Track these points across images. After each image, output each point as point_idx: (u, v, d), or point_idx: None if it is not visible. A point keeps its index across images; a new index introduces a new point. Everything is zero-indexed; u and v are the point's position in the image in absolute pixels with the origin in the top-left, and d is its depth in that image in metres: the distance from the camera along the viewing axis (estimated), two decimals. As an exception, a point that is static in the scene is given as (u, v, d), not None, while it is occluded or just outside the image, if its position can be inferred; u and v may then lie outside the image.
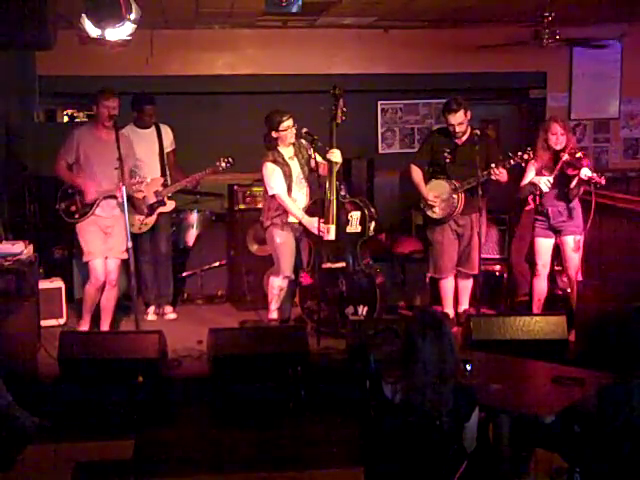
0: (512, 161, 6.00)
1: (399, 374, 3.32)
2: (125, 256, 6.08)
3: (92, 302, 6.24)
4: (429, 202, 6.32)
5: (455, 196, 6.22)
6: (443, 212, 6.30)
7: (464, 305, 6.58)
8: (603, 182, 5.83)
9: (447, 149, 6.26)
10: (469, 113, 6.20)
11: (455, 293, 6.60)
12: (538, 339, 5.33)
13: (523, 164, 6.05)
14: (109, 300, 6.29)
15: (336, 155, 6.06)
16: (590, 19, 7.93)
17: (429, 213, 6.39)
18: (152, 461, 4.49)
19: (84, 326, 6.28)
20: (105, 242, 6.14)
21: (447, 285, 6.53)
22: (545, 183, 6.00)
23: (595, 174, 5.81)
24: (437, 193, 6.31)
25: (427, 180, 6.40)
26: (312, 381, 5.09)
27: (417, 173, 6.42)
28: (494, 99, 9.38)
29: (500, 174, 6.01)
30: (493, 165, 5.99)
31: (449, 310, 6.52)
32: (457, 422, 3.28)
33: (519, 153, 5.99)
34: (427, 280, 6.88)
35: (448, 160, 6.25)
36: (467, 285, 6.54)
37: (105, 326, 6.32)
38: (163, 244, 6.92)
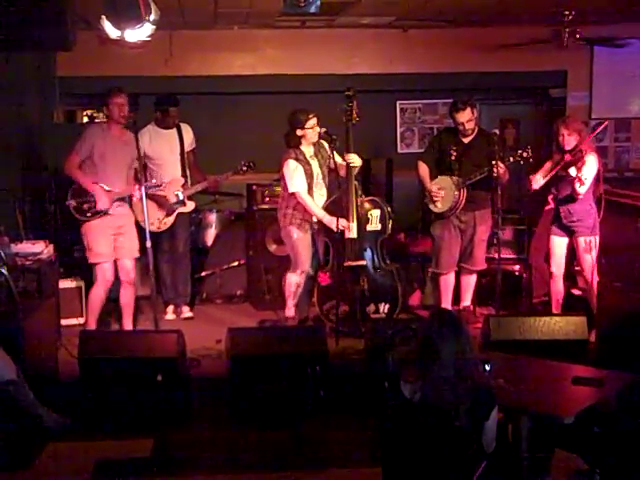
0: (511, 158, 6.09)
1: (417, 373, 3.31)
2: (138, 254, 6.17)
3: (100, 304, 6.23)
4: (432, 194, 6.36)
5: (457, 192, 6.25)
6: (445, 206, 6.33)
7: (466, 302, 6.59)
8: (583, 184, 5.84)
9: (454, 147, 6.32)
10: (476, 110, 6.28)
11: (457, 289, 6.60)
12: (558, 339, 5.29)
13: (522, 162, 6.11)
14: (130, 297, 6.32)
15: (355, 160, 6.11)
16: (611, 18, 7.87)
17: (431, 207, 6.44)
18: (170, 460, 4.51)
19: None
20: (116, 243, 6.15)
21: (446, 281, 6.55)
22: (535, 181, 6.07)
23: (578, 174, 5.79)
24: (440, 187, 6.35)
25: (433, 177, 6.44)
26: (331, 381, 5.09)
27: (423, 168, 6.50)
28: (514, 98, 9.34)
29: (501, 170, 6.03)
30: (493, 162, 6.01)
31: (447, 306, 6.48)
32: (476, 422, 3.27)
33: (519, 151, 6.09)
34: (429, 275, 6.87)
35: (454, 157, 6.30)
36: (470, 282, 6.55)
37: (128, 324, 6.35)
38: (181, 244, 6.92)
